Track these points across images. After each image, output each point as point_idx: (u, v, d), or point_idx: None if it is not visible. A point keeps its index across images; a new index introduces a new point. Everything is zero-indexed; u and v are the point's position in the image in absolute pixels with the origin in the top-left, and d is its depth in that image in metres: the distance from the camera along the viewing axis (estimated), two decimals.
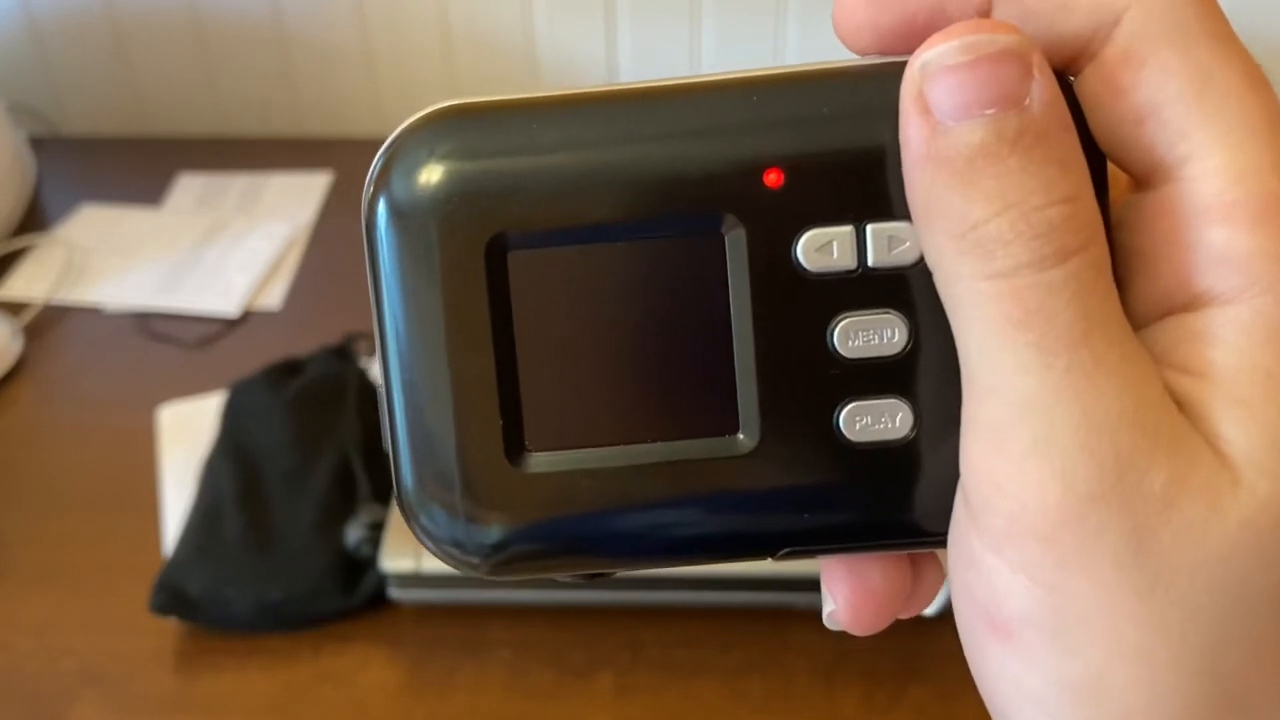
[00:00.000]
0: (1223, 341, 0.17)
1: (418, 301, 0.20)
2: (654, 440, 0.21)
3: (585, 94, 0.21)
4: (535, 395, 0.20)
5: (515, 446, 0.20)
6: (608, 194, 0.20)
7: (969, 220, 0.17)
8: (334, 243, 0.81)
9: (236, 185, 0.87)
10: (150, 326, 0.74)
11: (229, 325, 0.74)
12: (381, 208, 0.20)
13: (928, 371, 0.20)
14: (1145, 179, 0.18)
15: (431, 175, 0.20)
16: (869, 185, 0.19)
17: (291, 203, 0.85)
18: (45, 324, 0.74)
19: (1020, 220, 0.17)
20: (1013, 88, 0.17)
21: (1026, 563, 0.17)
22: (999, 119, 0.17)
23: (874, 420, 0.20)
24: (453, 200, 0.20)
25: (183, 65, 0.92)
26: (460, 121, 0.21)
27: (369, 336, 0.67)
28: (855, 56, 0.20)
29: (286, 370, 0.65)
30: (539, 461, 0.20)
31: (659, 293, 0.20)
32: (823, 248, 0.19)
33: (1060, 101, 0.17)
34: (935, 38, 0.17)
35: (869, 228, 0.19)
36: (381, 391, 0.21)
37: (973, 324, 0.17)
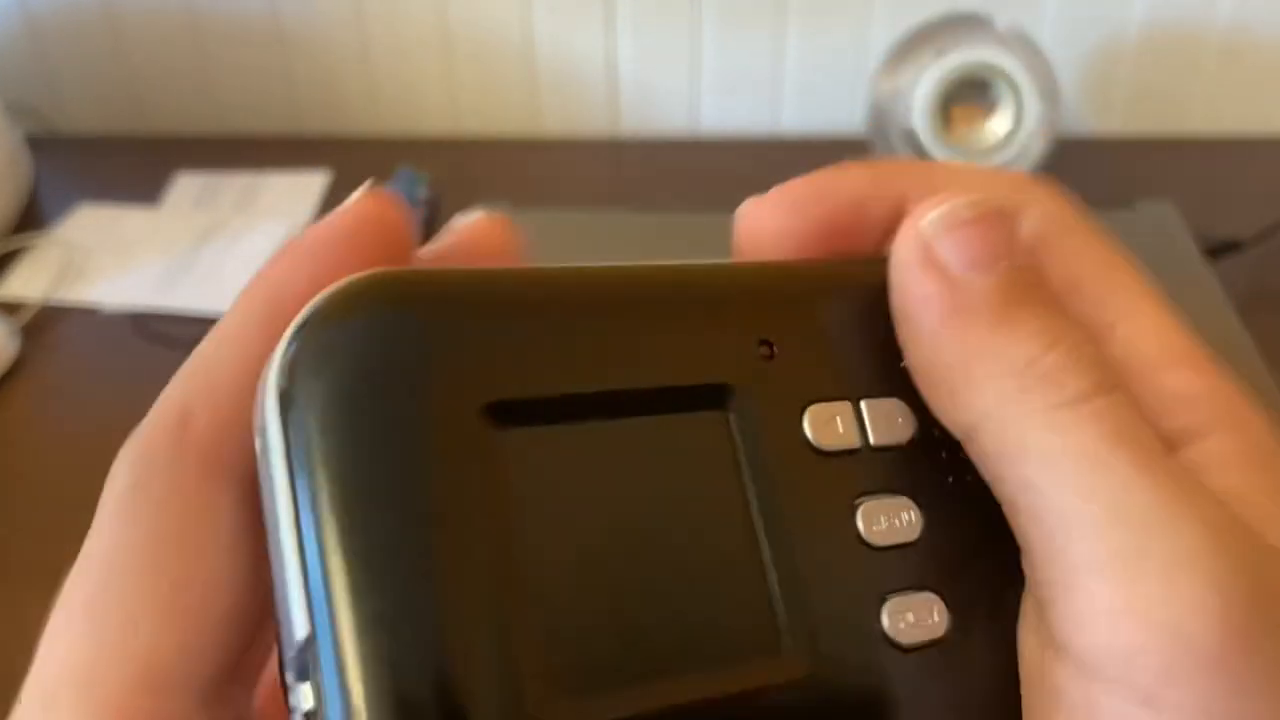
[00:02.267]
0: (1218, 474, 0.17)
1: (383, 507, 0.15)
2: (683, 671, 0.16)
3: (561, 268, 0.18)
4: (544, 628, 0.16)
5: (519, 698, 0.15)
6: (602, 365, 0.17)
7: (1026, 357, 0.17)
8: None
9: (234, 184, 0.87)
10: (148, 326, 0.73)
11: None
12: (327, 385, 0.15)
13: (946, 557, 0.18)
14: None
15: (404, 342, 0.16)
16: (859, 363, 0.19)
17: (290, 202, 0.84)
18: (43, 324, 0.74)
19: (1073, 351, 0.17)
20: (1012, 241, 0.18)
21: (1199, 701, 0.15)
22: (1014, 268, 0.18)
23: (917, 617, 0.18)
24: (433, 373, 0.16)
25: (181, 64, 0.92)
26: (405, 289, 0.17)
27: None
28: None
29: None
30: (546, 710, 0.15)
31: (665, 480, 0.17)
32: (829, 422, 0.18)
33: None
34: (924, 206, 0.18)
35: (863, 404, 0.19)
36: (299, 632, 0.15)
37: (1059, 457, 0.16)
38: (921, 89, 0.75)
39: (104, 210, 0.84)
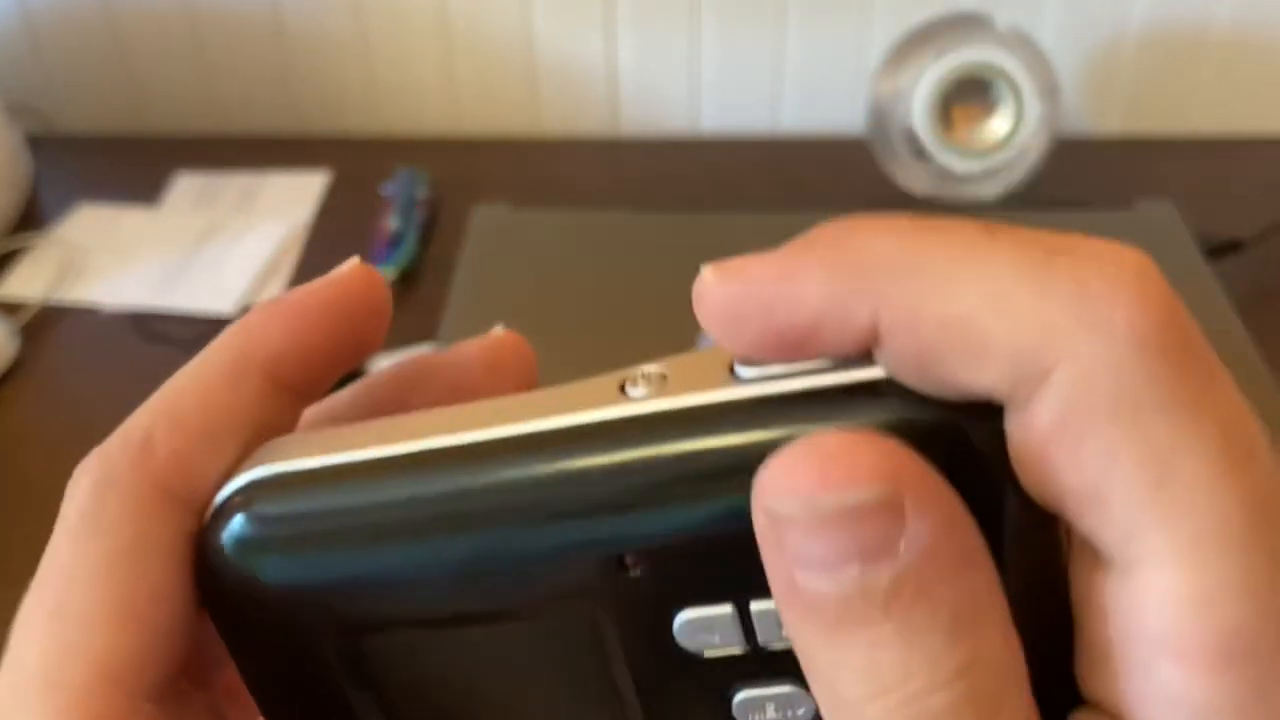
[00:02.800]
0: None
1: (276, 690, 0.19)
2: None
3: (402, 456, 0.18)
4: None
5: None
6: (460, 577, 0.17)
7: (849, 696, 0.14)
8: (332, 242, 0.80)
9: (234, 184, 0.86)
10: (148, 326, 0.73)
11: (227, 325, 0.73)
12: (214, 559, 0.18)
13: None
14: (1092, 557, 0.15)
15: (266, 545, 0.18)
16: (745, 562, 0.15)
17: (289, 202, 0.84)
18: (42, 324, 0.74)
19: (899, 711, 0.13)
20: (877, 539, 0.13)
21: None
22: (866, 574, 0.13)
23: None
24: (276, 598, 0.18)
25: (180, 64, 0.92)
26: (294, 488, 0.18)
27: None
28: None
29: None
30: None
31: (536, 690, 0.18)
32: (703, 632, 0.16)
33: (952, 533, 0.14)
34: (777, 463, 0.14)
35: (754, 607, 0.16)
36: None
37: None
38: (922, 89, 0.75)
39: (103, 210, 0.84)
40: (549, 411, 0.17)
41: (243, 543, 0.18)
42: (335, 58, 0.91)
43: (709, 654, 0.17)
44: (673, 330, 0.65)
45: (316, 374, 0.20)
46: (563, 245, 0.69)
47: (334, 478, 0.18)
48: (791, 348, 0.15)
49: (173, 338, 0.72)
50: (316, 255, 0.79)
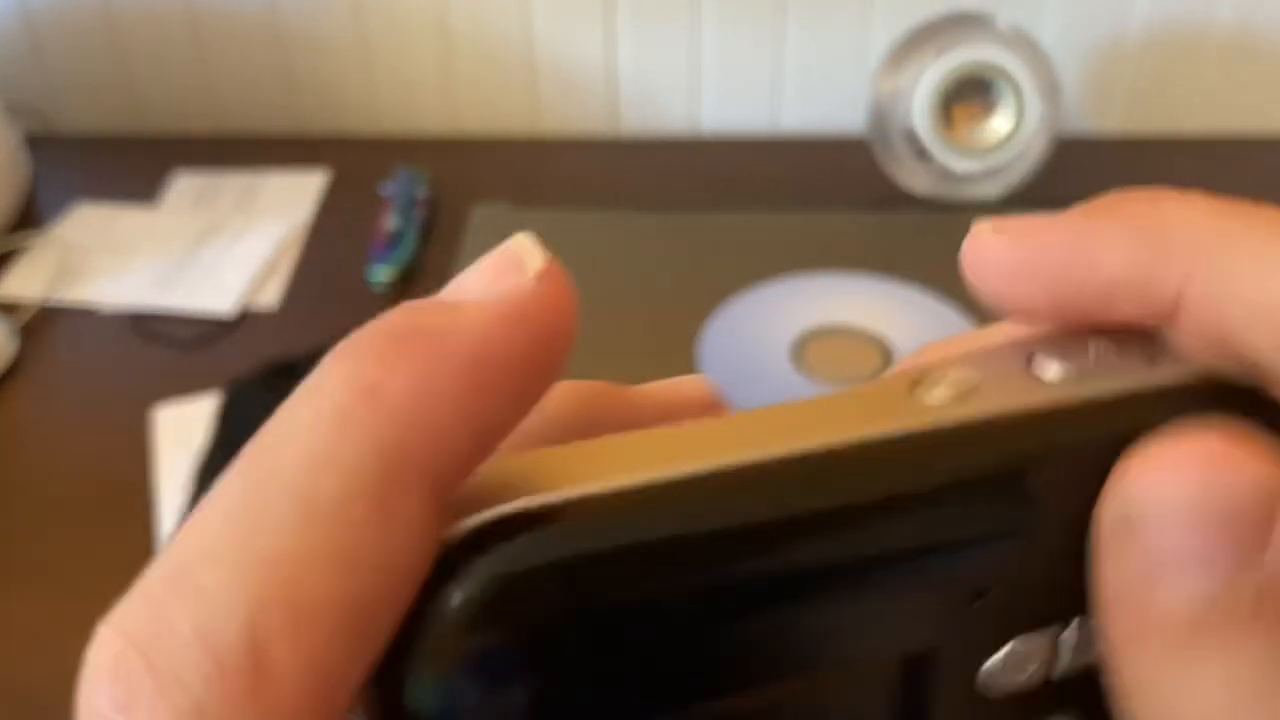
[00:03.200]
0: None
1: None
2: None
3: (693, 481, 0.14)
4: None
5: None
6: (738, 654, 0.14)
7: (1198, 713, 0.13)
8: (331, 241, 0.80)
9: (233, 184, 0.86)
10: (146, 326, 0.73)
11: (225, 325, 0.73)
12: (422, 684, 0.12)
13: None
14: None
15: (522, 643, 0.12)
16: (1065, 581, 0.14)
17: (288, 201, 0.84)
18: (41, 324, 0.74)
19: None
20: (1253, 540, 0.13)
21: None
22: (1237, 577, 0.13)
23: None
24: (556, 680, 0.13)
25: (179, 63, 0.91)
26: (550, 542, 0.13)
27: None
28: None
29: (283, 370, 0.65)
30: None
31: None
32: (1020, 662, 0.15)
33: None
34: (1149, 463, 0.13)
35: (1062, 636, 0.15)
36: None
37: None
38: (922, 88, 0.75)
39: (102, 210, 0.84)
40: (844, 425, 0.14)
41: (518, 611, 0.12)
42: (335, 57, 0.91)
43: (1005, 691, 0.15)
44: (673, 330, 0.65)
45: (484, 453, 0.13)
46: (562, 245, 0.69)
47: (614, 510, 0.13)
48: (1078, 313, 0.15)
49: (172, 338, 0.72)
50: (316, 254, 0.79)
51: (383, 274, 0.75)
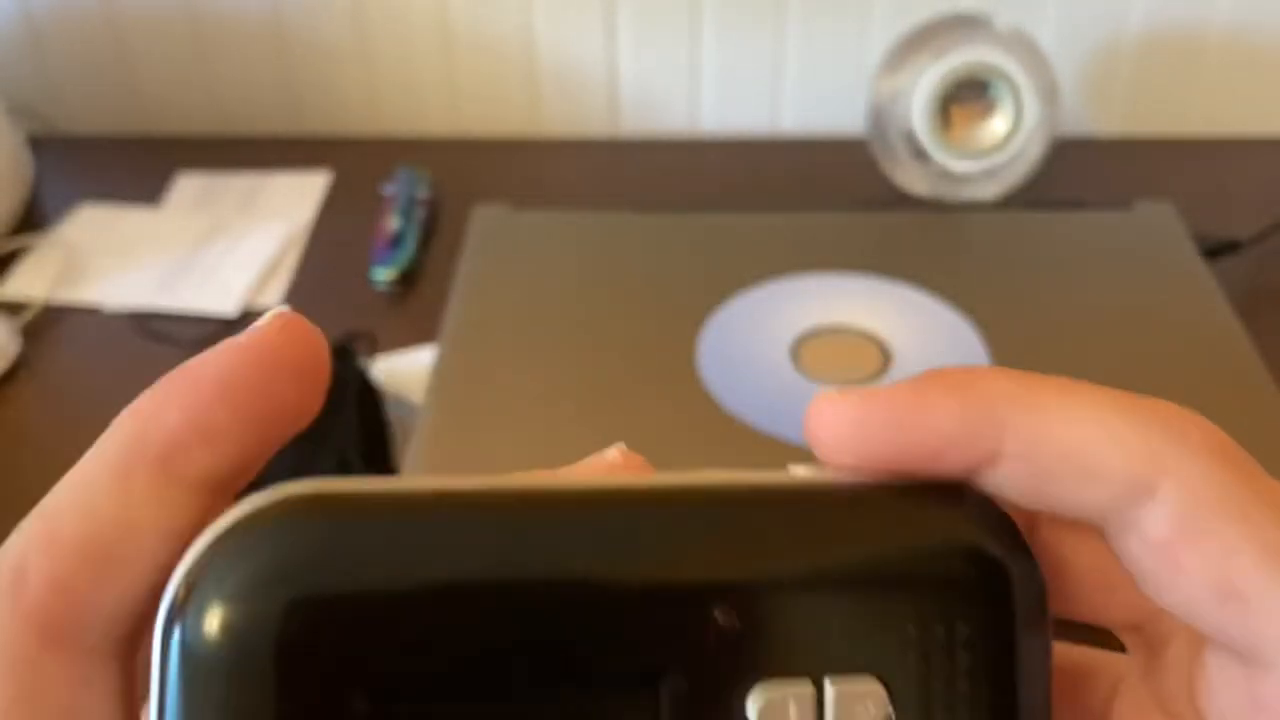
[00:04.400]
0: None
1: None
2: None
3: (479, 492, 0.16)
4: None
5: None
6: (503, 638, 0.15)
7: None
8: (333, 242, 0.81)
9: (235, 185, 0.87)
10: (149, 326, 0.74)
11: (228, 325, 0.74)
12: (183, 628, 0.15)
13: None
14: (1238, 655, 0.16)
15: (260, 608, 0.14)
16: (828, 631, 0.16)
17: (290, 202, 0.85)
18: (44, 324, 0.74)
19: None
20: None
21: None
22: None
23: None
24: (289, 634, 0.14)
25: (181, 64, 0.92)
26: (319, 521, 0.15)
27: (369, 336, 0.67)
28: None
29: None
30: None
31: None
32: (777, 709, 0.16)
33: None
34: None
35: (828, 684, 0.16)
36: None
37: None
38: (921, 89, 0.75)
39: (105, 210, 0.84)
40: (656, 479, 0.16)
41: (251, 590, 0.14)
42: (336, 58, 0.91)
43: None
44: (673, 330, 0.66)
45: (227, 461, 0.16)
46: (563, 245, 0.69)
47: (359, 506, 0.15)
48: (916, 463, 0.17)
49: (174, 338, 0.73)
50: (318, 255, 0.80)
51: (384, 274, 0.75)
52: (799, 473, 0.17)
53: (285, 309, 0.17)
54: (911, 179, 0.79)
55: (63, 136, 0.93)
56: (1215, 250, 0.72)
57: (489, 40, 0.90)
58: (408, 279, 0.75)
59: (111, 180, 0.87)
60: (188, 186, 0.87)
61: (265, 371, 0.16)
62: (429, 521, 0.15)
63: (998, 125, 0.76)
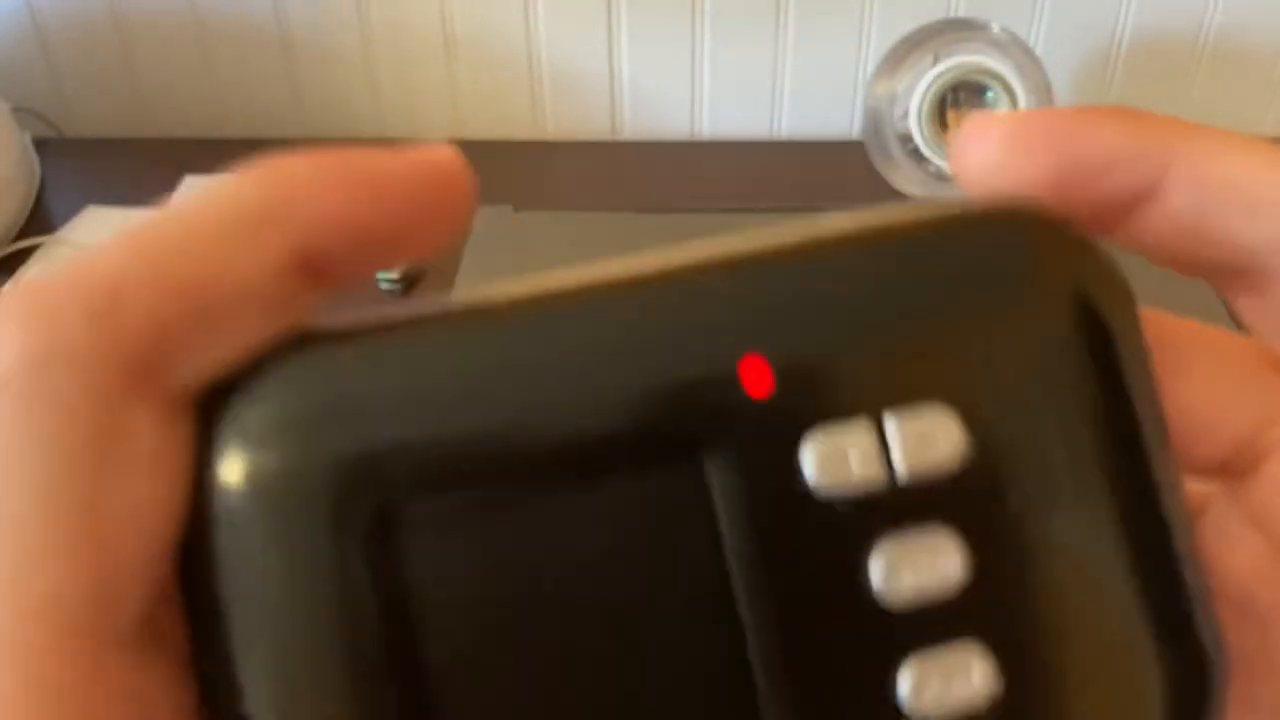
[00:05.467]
0: None
1: (278, 622, 0.14)
2: None
3: (491, 303, 0.15)
4: None
5: None
6: (527, 430, 0.14)
7: None
8: None
9: None
10: None
11: None
12: (221, 474, 0.14)
13: (1000, 603, 0.15)
14: None
15: (290, 430, 0.14)
16: (878, 366, 0.14)
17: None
18: None
19: None
20: None
21: None
22: None
23: (947, 680, 0.14)
24: (313, 470, 0.14)
25: (187, 68, 0.92)
26: (324, 357, 0.14)
27: None
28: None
29: None
30: None
31: (619, 559, 0.14)
32: (836, 455, 0.14)
33: None
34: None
35: (888, 420, 0.14)
36: None
37: None
38: (917, 93, 0.76)
39: (112, 213, 0.84)
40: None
41: (273, 407, 0.14)
42: (340, 63, 0.91)
43: (839, 490, 0.14)
44: None
45: (357, 264, 0.15)
46: (564, 247, 0.70)
47: (370, 334, 0.14)
48: (1077, 179, 0.16)
49: None
50: None
51: (386, 275, 0.75)
52: (829, 220, 0.16)
53: (447, 144, 0.16)
54: (908, 181, 0.80)
55: (69, 140, 0.94)
56: None
57: (491, 44, 0.90)
58: (410, 280, 0.76)
59: (118, 183, 0.87)
60: (194, 189, 0.87)
61: (428, 188, 0.15)
62: (445, 338, 0.14)
63: None
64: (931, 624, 0.14)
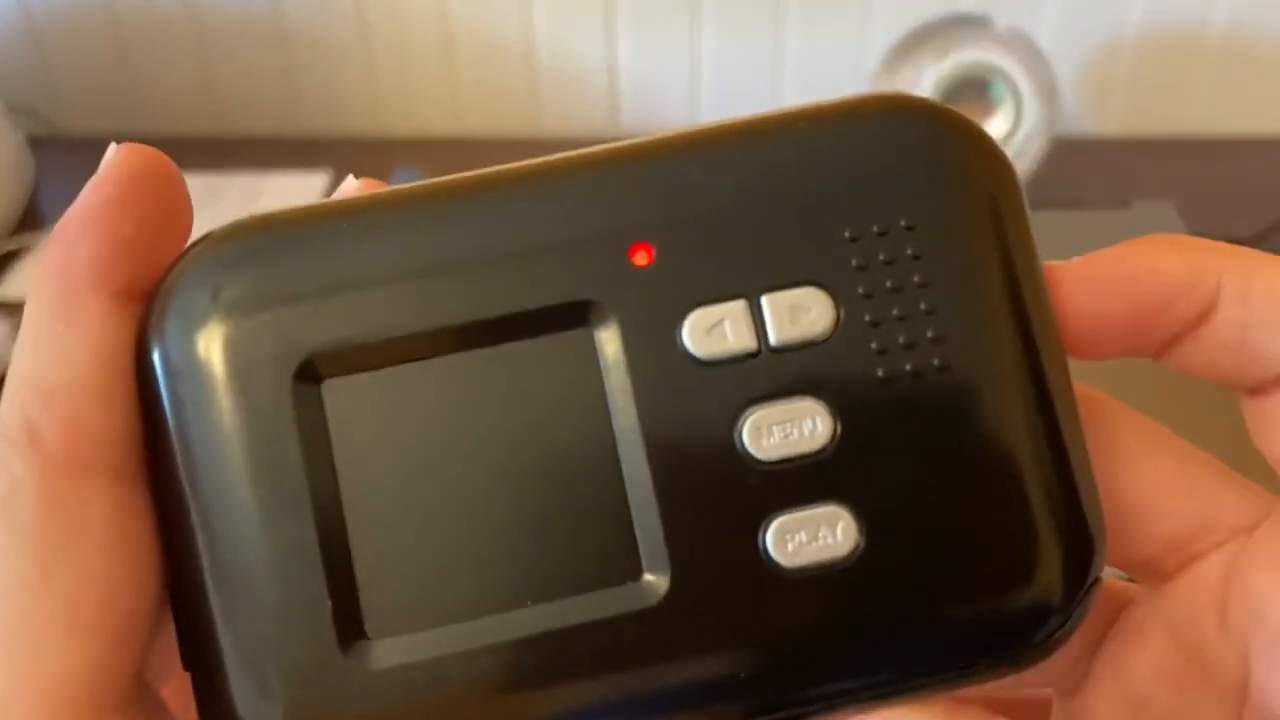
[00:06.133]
0: None
1: (213, 458, 0.16)
2: (532, 603, 0.16)
3: (408, 190, 0.17)
4: (372, 565, 0.16)
5: (351, 635, 0.16)
6: (438, 295, 0.16)
7: None
8: None
9: (235, 185, 0.87)
10: None
11: None
12: (160, 348, 0.16)
13: (864, 466, 0.16)
14: None
15: (218, 298, 0.16)
16: (756, 249, 0.16)
17: (290, 202, 0.84)
18: None
19: None
20: None
21: None
22: None
23: (809, 536, 0.16)
24: (243, 326, 0.16)
25: (182, 65, 0.92)
26: (252, 237, 0.17)
27: None
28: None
29: None
30: (384, 651, 0.16)
31: (518, 412, 0.16)
32: (713, 329, 0.16)
33: None
34: None
35: (764, 300, 0.16)
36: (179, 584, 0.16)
37: None
38: (921, 89, 0.75)
39: None
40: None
41: (206, 279, 0.16)
42: (336, 59, 0.91)
43: (716, 358, 0.16)
44: None
45: (148, 265, 0.17)
46: None
47: (304, 216, 0.17)
48: (1149, 315, 0.17)
49: None
50: None
51: None
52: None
53: (115, 145, 0.18)
54: None
55: (63, 136, 0.93)
56: None
57: (489, 40, 0.90)
58: None
59: None
60: (188, 187, 0.87)
61: (141, 182, 0.18)
62: (359, 220, 0.16)
63: (997, 125, 0.76)
64: (798, 485, 0.16)
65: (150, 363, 0.16)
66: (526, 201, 0.16)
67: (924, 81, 0.75)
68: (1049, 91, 0.76)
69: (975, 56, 0.75)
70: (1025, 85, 0.75)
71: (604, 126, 0.92)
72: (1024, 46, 0.76)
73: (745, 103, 0.91)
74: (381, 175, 0.74)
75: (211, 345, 0.16)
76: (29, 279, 0.77)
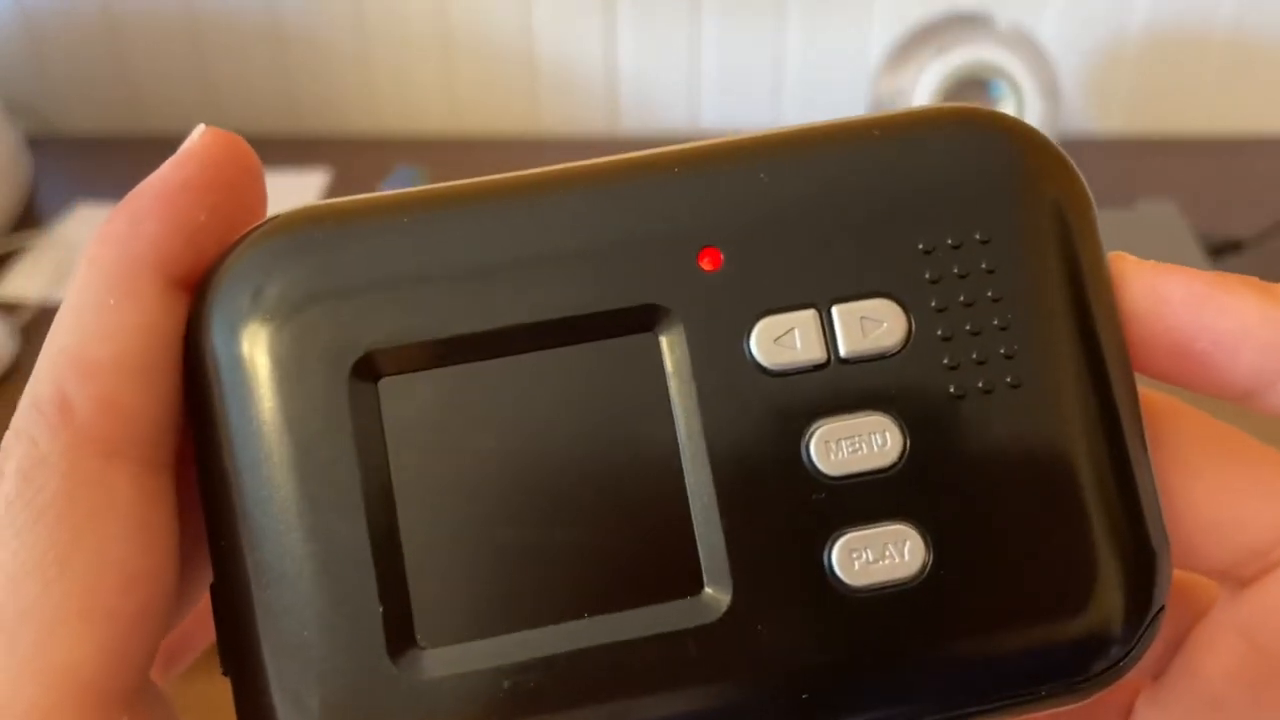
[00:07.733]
0: None
1: (263, 455, 0.15)
2: (590, 615, 0.15)
3: (470, 185, 0.17)
4: (425, 570, 0.15)
5: (402, 643, 0.15)
6: (501, 295, 0.15)
7: None
8: None
9: None
10: None
11: None
12: (212, 339, 0.16)
13: (935, 484, 0.16)
14: None
15: (275, 289, 0.16)
16: (827, 258, 0.16)
17: (289, 201, 0.84)
18: (41, 324, 0.74)
19: None
20: None
21: None
22: None
23: (876, 555, 0.15)
24: (300, 321, 0.15)
25: (180, 63, 0.92)
26: (310, 229, 0.17)
27: None
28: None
29: None
30: (436, 661, 0.15)
31: (579, 417, 0.16)
32: (782, 338, 0.16)
33: None
34: None
35: (834, 310, 0.16)
36: (221, 584, 0.16)
37: None
38: (922, 88, 0.75)
39: (103, 210, 0.84)
40: None
41: (260, 272, 0.16)
42: (335, 57, 0.91)
43: (784, 368, 0.16)
44: None
45: (211, 258, 0.17)
46: None
47: (361, 210, 0.16)
48: (1205, 349, 0.16)
49: None
50: None
51: None
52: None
53: (204, 127, 0.18)
54: None
55: (61, 136, 0.93)
56: (1218, 249, 0.72)
57: (487, 39, 0.89)
58: None
59: (109, 180, 0.87)
60: None
61: (224, 171, 0.17)
62: (420, 214, 0.16)
63: None
64: (866, 502, 0.15)
65: (200, 353, 0.16)
66: (593, 202, 0.16)
67: (925, 80, 0.75)
68: (1051, 90, 0.76)
69: (977, 55, 0.74)
70: (1027, 84, 0.75)
71: (603, 126, 0.92)
72: (1026, 45, 0.76)
73: (745, 103, 0.90)
74: (380, 174, 0.74)
75: (267, 339, 0.15)
76: (27, 279, 0.77)
